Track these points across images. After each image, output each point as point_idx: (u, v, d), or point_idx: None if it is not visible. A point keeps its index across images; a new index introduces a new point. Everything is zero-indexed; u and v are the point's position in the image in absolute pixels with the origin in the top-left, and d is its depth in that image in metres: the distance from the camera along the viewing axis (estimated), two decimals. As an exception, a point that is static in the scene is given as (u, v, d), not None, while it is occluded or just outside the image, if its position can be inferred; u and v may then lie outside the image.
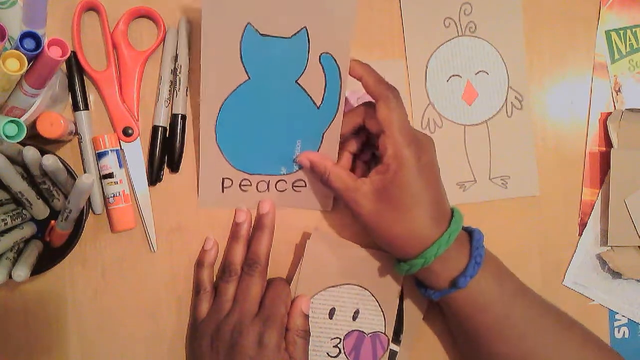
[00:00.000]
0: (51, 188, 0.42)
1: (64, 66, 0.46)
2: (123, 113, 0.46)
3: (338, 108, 0.45)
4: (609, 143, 0.52)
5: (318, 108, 0.45)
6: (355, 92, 0.49)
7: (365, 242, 0.48)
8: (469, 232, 0.44)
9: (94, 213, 0.46)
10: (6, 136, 0.36)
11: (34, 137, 0.42)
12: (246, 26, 0.42)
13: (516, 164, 0.51)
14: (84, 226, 0.43)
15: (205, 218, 0.48)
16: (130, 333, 0.47)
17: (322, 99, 0.44)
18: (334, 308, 0.47)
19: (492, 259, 0.44)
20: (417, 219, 0.41)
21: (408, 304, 0.47)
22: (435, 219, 0.41)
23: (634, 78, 0.52)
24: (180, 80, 0.47)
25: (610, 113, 0.51)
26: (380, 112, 0.41)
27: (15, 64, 0.35)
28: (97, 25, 0.47)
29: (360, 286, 0.47)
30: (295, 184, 0.48)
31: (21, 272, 0.39)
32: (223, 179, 0.47)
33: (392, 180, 0.41)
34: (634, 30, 0.52)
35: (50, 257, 0.43)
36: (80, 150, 0.46)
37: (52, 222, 0.43)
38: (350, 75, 0.43)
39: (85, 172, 0.46)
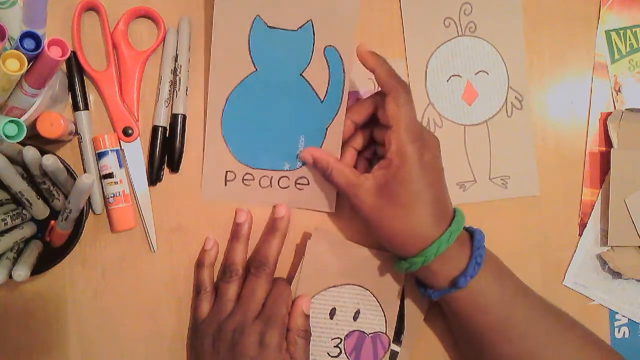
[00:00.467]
0: (51, 188, 0.42)
1: (64, 66, 0.46)
2: (123, 113, 0.46)
3: (341, 102, 0.45)
4: (609, 143, 0.52)
5: (322, 102, 0.46)
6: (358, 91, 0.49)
7: (366, 242, 0.48)
8: (470, 233, 0.44)
9: (94, 213, 0.46)
10: (6, 136, 0.36)
11: (34, 137, 0.42)
12: (255, 18, 0.44)
13: (516, 164, 0.51)
14: (84, 226, 0.43)
15: (205, 218, 0.48)
16: (130, 333, 0.47)
17: (326, 92, 0.46)
18: (335, 308, 0.47)
19: (493, 259, 0.44)
20: (418, 216, 0.41)
21: (409, 304, 0.47)
22: (436, 217, 0.41)
23: (634, 78, 0.52)
24: (180, 80, 0.47)
25: (610, 113, 0.51)
26: (388, 107, 0.41)
27: (15, 64, 0.35)
28: (97, 25, 0.47)
29: (361, 286, 0.47)
30: (298, 182, 0.48)
31: (21, 272, 0.39)
32: (226, 172, 0.47)
33: (394, 176, 0.41)
34: (634, 30, 0.52)
35: (50, 257, 0.43)
36: (80, 150, 0.46)
37: (52, 222, 0.43)
38: (364, 66, 0.43)
39: (85, 172, 0.46)
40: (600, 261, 0.51)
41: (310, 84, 0.46)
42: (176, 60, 0.47)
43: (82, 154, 0.46)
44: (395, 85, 0.41)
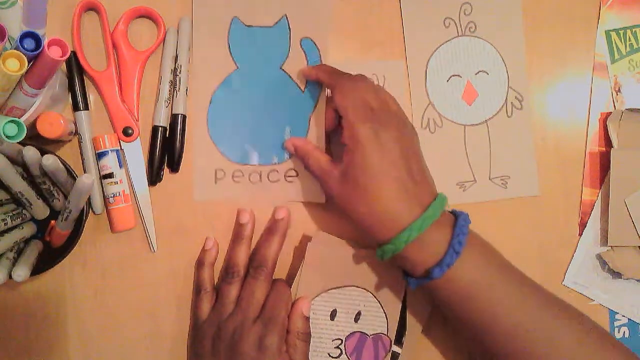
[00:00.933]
0: (51, 188, 0.42)
1: (64, 66, 0.46)
2: (123, 113, 0.46)
3: (321, 91, 0.47)
4: (609, 143, 0.52)
5: (303, 92, 0.48)
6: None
7: (367, 244, 0.48)
8: (456, 217, 0.41)
9: (94, 213, 0.46)
10: (6, 136, 0.36)
11: (34, 137, 0.42)
12: (233, 19, 0.47)
13: (516, 164, 0.51)
14: (84, 226, 0.43)
15: (205, 218, 0.48)
16: (131, 333, 0.47)
17: (306, 82, 0.48)
18: (336, 310, 0.47)
19: (477, 244, 0.41)
20: (381, 199, 0.39)
21: (411, 305, 0.47)
22: (404, 201, 0.39)
23: (634, 78, 0.52)
24: (180, 80, 0.47)
25: (610, 113, 0.51)
26: (335, 100, 0.42)
27: (15, 64, 0.35)
28: (97, 25, 0.47)
29: (363, 288, 0.47)
30: (288, 174, 0.48)
31: (21, 272, 0.39)
32: (216, 170, 0.48)
33: (351, 160, 0.40)
34: (634, 30, 0.52)
35: (50, 257, 0.43)
36: (80, 150, 0.46)
37: (52, 222, 0.43)
38: (309, 80, 0.47)
39: (85, 172, 0.46)
40: (600, 261, 0.51)
41: (290, 76, 0.48)
42: (176, 61, 0.47)
43: (82, 154, 0.46)
44: (338, 79, 0.42)
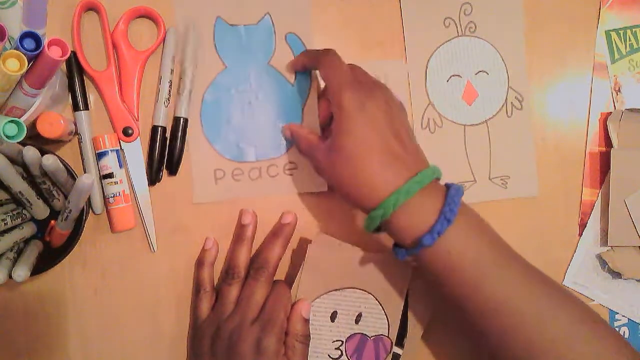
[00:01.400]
0: (51, 188, 0.42)
1: (64, 66, 0.46)
2: (123, 113, 0.46)
3: (311, 82, 0.48)
4: (609, 143, 0.52)
5: (293, 85, 0.48)
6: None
7: (368, 246, 0.47)
8: (447, 187, 0.40)
9: (94, 213, 0.46)
10: (6, 136, 0.36)
11: (34, 137, 0.42)
12: (217, 19, 0.48)
13: (516, 164, 0.51)
14: (84, 226, 0.43)
15: (205, 218, 0.48)
16: (130, 333, 0.47)
17: (295, 75, 0.49)
18: (336, 311, 0.47)
19: (469, 215, 0.40)
20: (366, 166, 0.39)
21: (413, 307, 0.47)
22: (389, 167, 0.39)
23: (634, 78, 0.52)
24: (185, 83, 0.46)
25: (610, 113, 0.51)
26: (322, 74, 0.43)
27: (15, 64, 0.35)
28: (97, 25, 0.47)
29: (363, 290, 0.47)
30: (287, 167, 0.48)
31: (21, 272, 0.39)
32: (215, 170, 0.48)
33: (337, 127, 0.41)
34: (634, 30, 0.52)
35: (50, 257, 0.43)
36: (80, 150, 0.46)
37: (52, 222, 0.43)
38: (297, 70, 0.48)
39: (85, 172, 0.46)
40: (600, 261, 0.51)
41: (278, 70, 0.48)
42: (179, 61, 0.47)
43: (82, 154, 0.46)
44: (320, 57, 0.44)
